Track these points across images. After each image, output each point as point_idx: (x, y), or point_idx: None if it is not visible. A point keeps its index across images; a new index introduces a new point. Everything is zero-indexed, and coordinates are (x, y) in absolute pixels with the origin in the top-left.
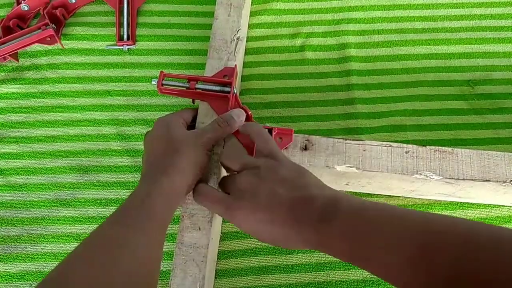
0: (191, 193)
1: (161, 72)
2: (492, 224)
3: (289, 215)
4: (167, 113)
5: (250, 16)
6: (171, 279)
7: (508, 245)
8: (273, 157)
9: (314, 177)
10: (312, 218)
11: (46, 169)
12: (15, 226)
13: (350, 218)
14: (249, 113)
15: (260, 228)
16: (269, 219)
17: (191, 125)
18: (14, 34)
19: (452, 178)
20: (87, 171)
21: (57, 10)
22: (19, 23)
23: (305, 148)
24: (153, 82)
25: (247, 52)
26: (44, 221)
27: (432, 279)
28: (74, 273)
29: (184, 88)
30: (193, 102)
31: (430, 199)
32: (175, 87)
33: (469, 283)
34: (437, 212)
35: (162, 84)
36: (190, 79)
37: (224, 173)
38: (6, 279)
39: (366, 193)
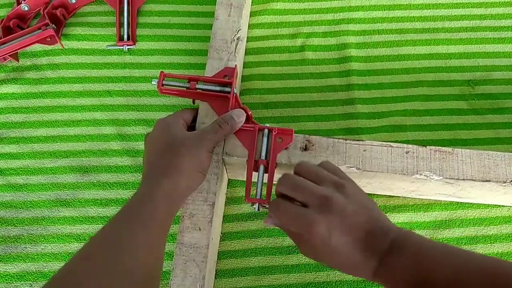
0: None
1: (161, 72)
2: None
3: (363, 241)
4: (167, 113)
5: (250, 16)
6: (171, 279)
7: None
8: (348, 181)
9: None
10: (382, 249)
11: (46, 169)
12: (15, 226)
13: (416, 253)
14: (249, 113)
15: (333, 248)
16: (345, 239)
17: (192, 126)
18: (14, 34)
19: (452, 178)
20: (87, 171)
21: (57, 10)
22: (19, 23)
23: (305, 148)
24: (153, 82)
25: (248, 52)
26: (44, 221)
27: None
28: (77, 274)
29: (184, 88)
30: (193, 102)
31: (430, 199)
32: (175, 87)
33: None
34: (437, 212)
35: (163, 84)
36: (190, 79)
37: (225, 174)
38: (6, 279)
39: (366, 193)
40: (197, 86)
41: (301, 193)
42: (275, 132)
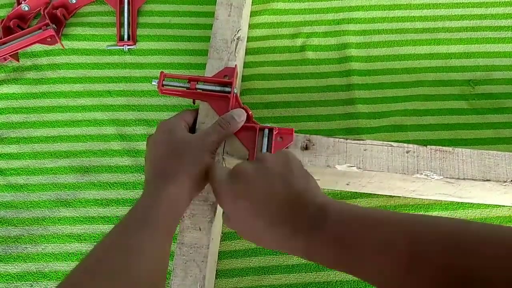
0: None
1: (162, 72)
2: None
3: (276, 214)
4: (167, 113)
5: (250, 16)
6: (172, 279)
7: (504, 240)
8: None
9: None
10: (304, 225)
11: (47, 169)
12: (16, 226)
13: (338, 225)
14: (250, 113)
15: (246, 220)
16: (252, 207)
17: (193, 127)
18: (15, 35)
19: (453, 178)
20: (87, 171)
21: (57, 10)
22: (19, 23)
23: (306, 148)
24: (153, 83)
25: (248, 52)
26: (45, 221)
27: (422, 280)
28: (82, 283)
29: (185, 89)
30: (194, 103)
31: (430, 199)
32: (175, 88)
33: (462, 281)
34: (437, 212)
35: (163, 85)
36: (190, 80)
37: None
38: (6, 279)
39: (366, 193)
40: (197, 86)
41: None
42: (275, 131)
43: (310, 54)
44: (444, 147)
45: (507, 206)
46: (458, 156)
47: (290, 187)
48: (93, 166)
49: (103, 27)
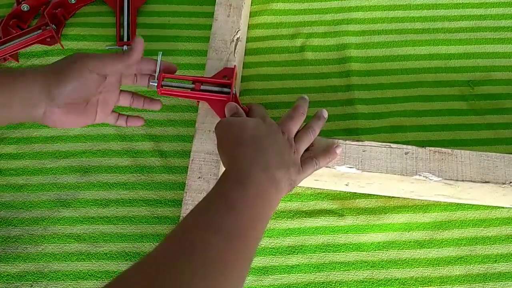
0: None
1: (161, 73)
2: None
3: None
4: (166, 113)
5: (250, 17)
6: None
7: None
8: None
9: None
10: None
11: (47, 169)
12: (16, 226)
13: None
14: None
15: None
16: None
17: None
18: (14, 35)
19: (452, 179)
20: (87, 171)
21: (57, 11)
22: (19, 24)
23: (306, 149)
24: (152, 83)
25: (247, 52)
26: (45, 222)
27: None
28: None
29: (184, 89)
30: (198, 103)
31: (429, 200)
32: (175, 88)
33: None
34: (436, 213)
35: (162, 86)
36: (190, 80)
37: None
38: (6, 280)
39: (365, 194)
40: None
41: None
42: None
43: (310, 55)
44: (443, 149)
45: (506, 208)
46: (457, 157)
47: (230, 147)
48: (93, 166)
49: (102, 28)
